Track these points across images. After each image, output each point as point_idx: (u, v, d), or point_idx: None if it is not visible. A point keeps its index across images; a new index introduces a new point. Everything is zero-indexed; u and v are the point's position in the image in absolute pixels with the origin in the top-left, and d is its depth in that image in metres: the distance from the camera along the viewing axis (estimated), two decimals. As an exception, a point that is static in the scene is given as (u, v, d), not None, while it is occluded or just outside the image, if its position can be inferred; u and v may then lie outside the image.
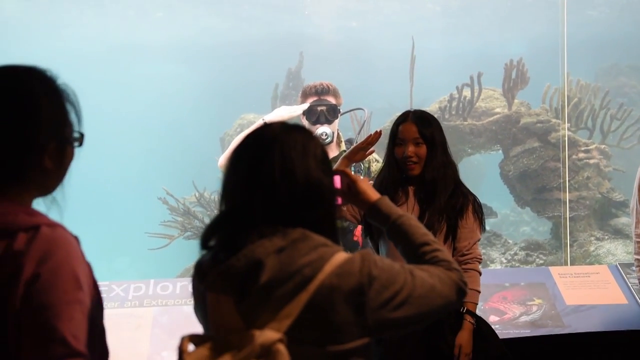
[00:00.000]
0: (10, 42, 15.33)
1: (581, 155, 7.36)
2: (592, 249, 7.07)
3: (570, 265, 6.36)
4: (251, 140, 1.50)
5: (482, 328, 2.68)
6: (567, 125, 7.40)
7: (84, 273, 1.32)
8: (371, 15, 15.00)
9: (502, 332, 3.36)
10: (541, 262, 7.16)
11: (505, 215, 13.27)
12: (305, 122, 3.72)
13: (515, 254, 7.38)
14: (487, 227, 9.13)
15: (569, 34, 6.47)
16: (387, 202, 1.70)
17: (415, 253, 1.60)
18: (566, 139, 6.99)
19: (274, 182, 1.42)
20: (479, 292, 2.69)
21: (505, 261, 7.35)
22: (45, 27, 15.35)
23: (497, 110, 7.81)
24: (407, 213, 1.69)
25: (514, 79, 7.59)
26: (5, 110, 1.33)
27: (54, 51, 15.12)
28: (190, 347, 1.37)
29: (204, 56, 16.86)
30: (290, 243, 1.40)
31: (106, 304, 3.45)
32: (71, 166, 1.45)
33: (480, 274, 2.71)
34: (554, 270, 3.94)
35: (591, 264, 6.62)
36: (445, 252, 1.60)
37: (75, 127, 1.44)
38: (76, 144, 1.45)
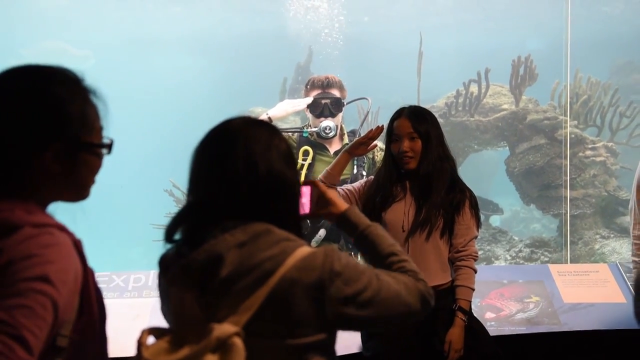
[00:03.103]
0: (30, 34, 15.48)
1: (588, 152, 7.32)
2: (597, 247, 7.04)
3: (572, 263, 6.33)
4: (215, 134, 1.51)
5: (474, 326, 2.69)
6: (574, 122, 7.37)
7: (62, 273, 1.25)
8: (383, 10, 14.94)
9: (498, 329, 3.36)
10: (546, 259, 7.13)
11: (516, 212, 13.21)
12: (309, 116, 3.72)
13: (520, 250, 7.35)
14: (495, 224, 9.05)
15: (582, 31, 6.45)
16: (356, 212, 1.71)
17: (382, 262, 1.61)
18: (568, 135, 6.95)
19: (237, 176, 1.43)
20: (473, 289, 2.68)
21: (509, 258, 7.33)
22: (65, 20, 15.45)
23: (505, 106, 7.78)
24: (375, 223, 1.70)
25: (522, 76, 7.54)
26: (3, 108, 1.30)
27: (73, 43, 15.29)
28: (150, 339, 1.39)
29: (214, 50, 16.89)
30: (252, 237, 1.41)
31: (106, 294, 3.49)
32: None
33: (475, 271, 2.70)
34: (553, 268, 3.93)
35: (596, 262, 6.59)
36: (412, 263, 1.61)
37: (99, 133, 1.39)
38: (104, 150, 1.40)
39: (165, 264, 1.50)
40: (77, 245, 1.33)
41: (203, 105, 16.32)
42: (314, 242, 3.59)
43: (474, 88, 7.62)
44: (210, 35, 16.52)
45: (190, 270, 1.42)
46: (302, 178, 3.60)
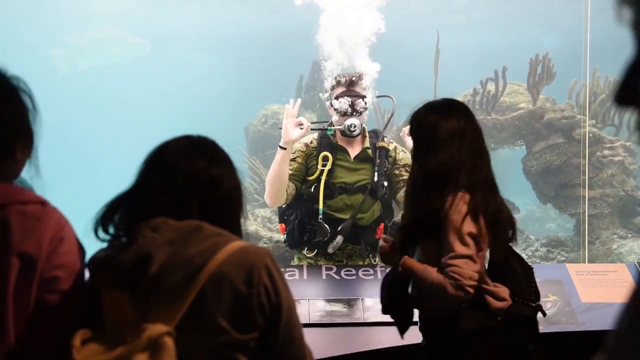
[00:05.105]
0: (51, 30, 15.64)
1: (606, 152, 7.26)
2: (614, 247, 6.98)
3: (590, 262, 6.29)
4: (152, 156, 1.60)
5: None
6: (592, 121, 7.30)
7: None
8: (397, 8, 14.90)
9: (515, 328, 3.36)
10: (562, 259, 7.09)
11: (531, 211, 13.14)
12: (333, 115, 3.66)
13: (537, 250, 7.32)
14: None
15: (600, 30, 6.38)
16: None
17: None
18: (587, 135, 6.89)
19: (172, 181, 1.49)
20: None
21: (525, 257, 7.27)
22: (85, 16, 15.56)
23: (522, 105, 7.74)
24: None
25: (540, 74, 7.50)
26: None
27: (93, 40, 15.39)
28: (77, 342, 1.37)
29: (232, 46, 16.92)
30: (181, 235, 1.41)
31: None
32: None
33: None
34: (571, 267, 3.90)
35: (613, 262, 6.54)
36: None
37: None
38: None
39: (95, 267, 1.48)
40: None
41: (220, 102, 16.38)
42: (331, 248, 3.56)
43: (491, 86, 7.59)
44: (226, 32, 16.56)
45: (120, 271, 1.41)
46: (322, 184, 3.56)
